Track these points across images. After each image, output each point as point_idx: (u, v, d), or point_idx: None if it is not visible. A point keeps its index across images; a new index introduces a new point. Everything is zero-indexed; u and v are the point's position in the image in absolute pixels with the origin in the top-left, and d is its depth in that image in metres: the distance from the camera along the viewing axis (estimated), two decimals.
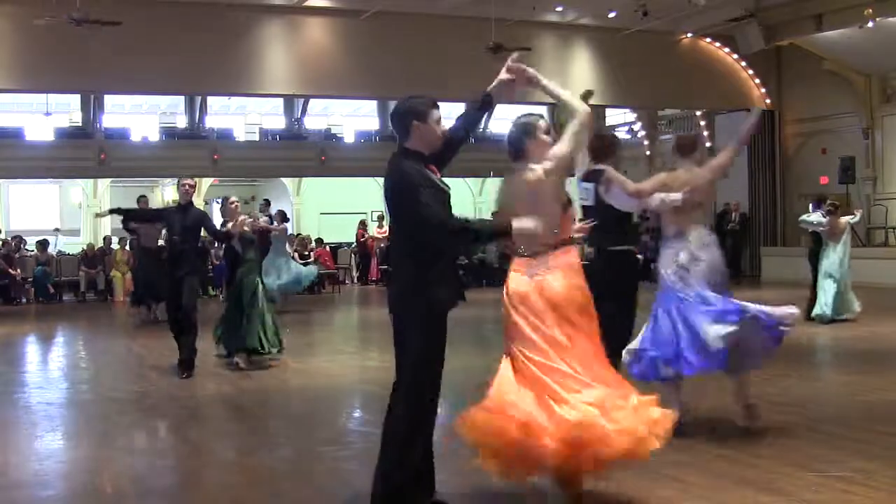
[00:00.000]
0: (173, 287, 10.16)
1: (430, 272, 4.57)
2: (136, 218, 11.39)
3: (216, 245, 22.27)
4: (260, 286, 10.70)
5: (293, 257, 18.57)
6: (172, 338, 10.33)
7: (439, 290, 4.58)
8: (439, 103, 4.71)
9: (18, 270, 21.25)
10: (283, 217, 16.99)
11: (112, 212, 11.54)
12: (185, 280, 10.04)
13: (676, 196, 6.50)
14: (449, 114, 4.71)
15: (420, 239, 4.59)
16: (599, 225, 6.80)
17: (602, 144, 7.13)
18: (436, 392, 4.68)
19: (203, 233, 10.63)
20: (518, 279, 4.87)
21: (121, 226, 15.02)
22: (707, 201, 6.62)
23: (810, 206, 14.41)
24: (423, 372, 4.58)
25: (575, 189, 4.88)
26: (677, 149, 6.87)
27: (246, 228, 10.56)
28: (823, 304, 13.58)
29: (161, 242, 16.04)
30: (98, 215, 14.17)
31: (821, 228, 13.72)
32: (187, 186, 10.24)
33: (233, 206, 10.93)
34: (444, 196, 4.63)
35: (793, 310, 6.62)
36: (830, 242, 13.75)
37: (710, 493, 5.21)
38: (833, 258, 13.65)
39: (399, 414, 4.67)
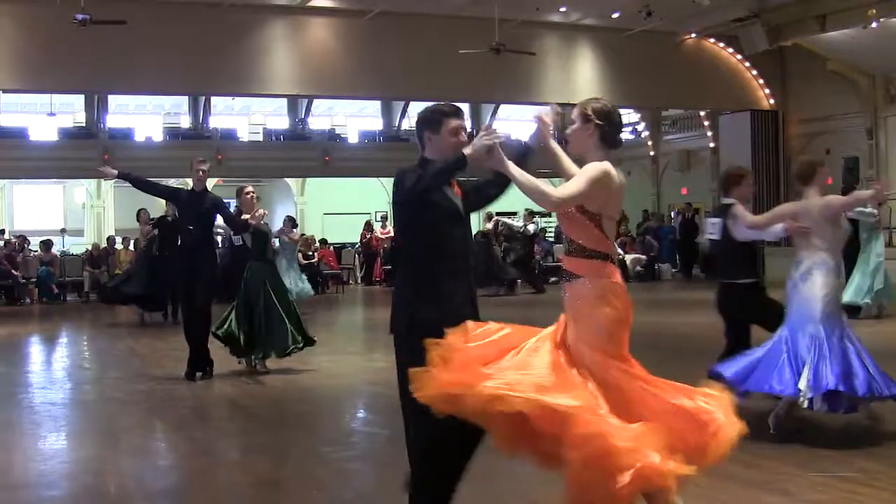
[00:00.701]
0: (187, 281, 9.69)
1: (419, 287, 4.36)
2: (145, 189, 10.39)
3: (220, 245, 22.30)
4: (268, 287, 10.11)
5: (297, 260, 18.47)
6: (184, 337, 9.94)
7: (425, 309, 4.30)
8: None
9: (19, 272, 21.20)
10: (293, 224, 16.61)
11: (120, 176, 9.85)
12: (201, 276, 9.58)
13: (778, 228, 6.87)
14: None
15: (414, 247, 4.43)
16: (727, 257, 7.30)
17: (728, 176, 7.46)
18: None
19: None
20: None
21: (127, 225, 14.85)
22: (822, 231, 6.63)
23: None
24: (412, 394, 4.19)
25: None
26: (797, 178, 6.98)
27: (263, 220, 10.00)
28: (882, 294, 13.73)
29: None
30: (104, 174, 12.07)
31: (874, 219, 13.89)
32: (201, 172, 9.62)
33: (248, 196, 10.23)
34: (450, 206, 4.42)
35: None
36: (874, 234, 13.94)
37: (714, 494, 5.19)
38: (880, 249, 13.84)
39: (413, 438, 4.43)
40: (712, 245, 7.41)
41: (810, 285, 6.55)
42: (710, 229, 7.40)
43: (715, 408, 4.07)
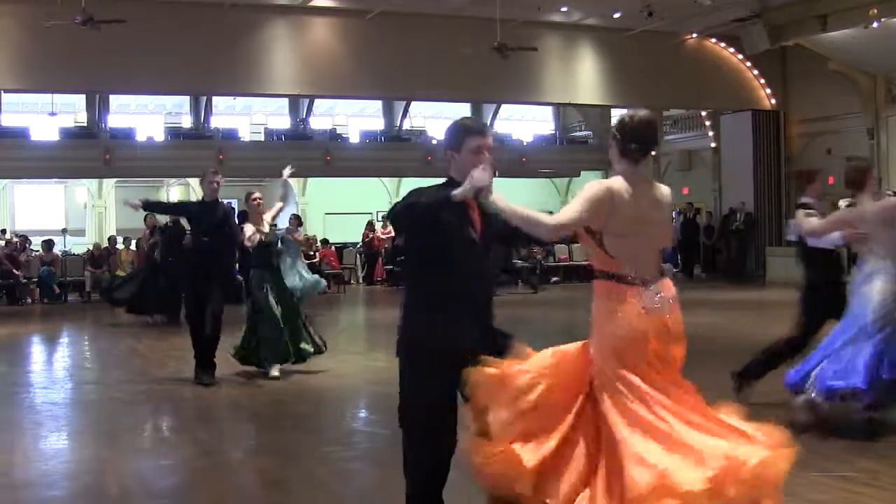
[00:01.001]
0: (200, 289, 9.62)
1: (428, 313, 4.22)
2: (159, 211, 10.46)
3: None
4: (271, 296, 9.93)
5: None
6: (188, 338, 9.90)
7: (432, 336, 4.17)
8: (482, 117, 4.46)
9: (21, 271, 21.18)
10: (298, 222, 16.44)
11: (144, 206, 10.19)
12: (214, 285, 9.55)
13: (836, 236, 7.02)
14: (457, 114, 4.55)
15: (423, 272, 4.28)
16: (808, 257, 7.49)
17: (802, 175, 7.87)
18: (429, 439, 4.23)
19: None
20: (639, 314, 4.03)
21: (128, 225, 14.88)
22: (879, 236, 6.73)
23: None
24: (409, 414, 4.28)
25: None
26: (849, 185, 7.04)
27: (263, 233, 9.84)
28: None
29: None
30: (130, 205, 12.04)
31: None
32: (216, 184, 9.57)
33: (255, 202, 10.06)
34: (461, 234, 4.19)
35: None
36: None
37: None
38: None
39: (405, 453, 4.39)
40: (795, 247, 7.68)
41: (868, 289, 6.68)
42: (791, 231, 7.78)
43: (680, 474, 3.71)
